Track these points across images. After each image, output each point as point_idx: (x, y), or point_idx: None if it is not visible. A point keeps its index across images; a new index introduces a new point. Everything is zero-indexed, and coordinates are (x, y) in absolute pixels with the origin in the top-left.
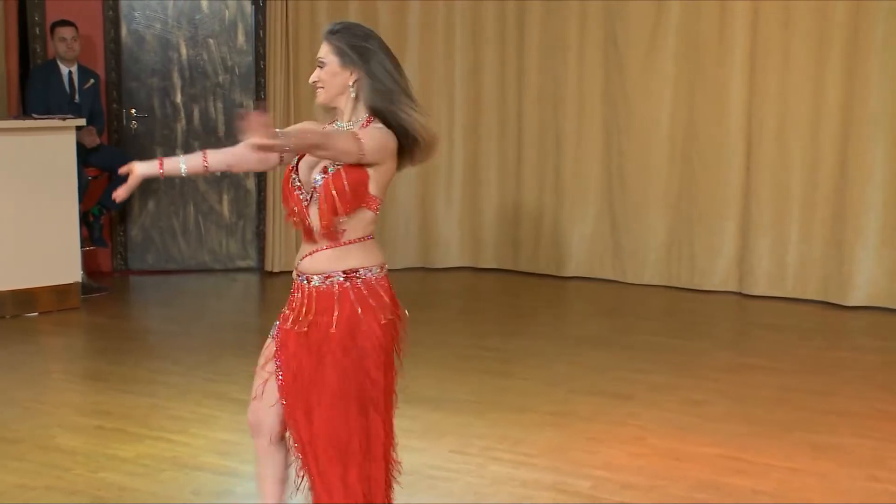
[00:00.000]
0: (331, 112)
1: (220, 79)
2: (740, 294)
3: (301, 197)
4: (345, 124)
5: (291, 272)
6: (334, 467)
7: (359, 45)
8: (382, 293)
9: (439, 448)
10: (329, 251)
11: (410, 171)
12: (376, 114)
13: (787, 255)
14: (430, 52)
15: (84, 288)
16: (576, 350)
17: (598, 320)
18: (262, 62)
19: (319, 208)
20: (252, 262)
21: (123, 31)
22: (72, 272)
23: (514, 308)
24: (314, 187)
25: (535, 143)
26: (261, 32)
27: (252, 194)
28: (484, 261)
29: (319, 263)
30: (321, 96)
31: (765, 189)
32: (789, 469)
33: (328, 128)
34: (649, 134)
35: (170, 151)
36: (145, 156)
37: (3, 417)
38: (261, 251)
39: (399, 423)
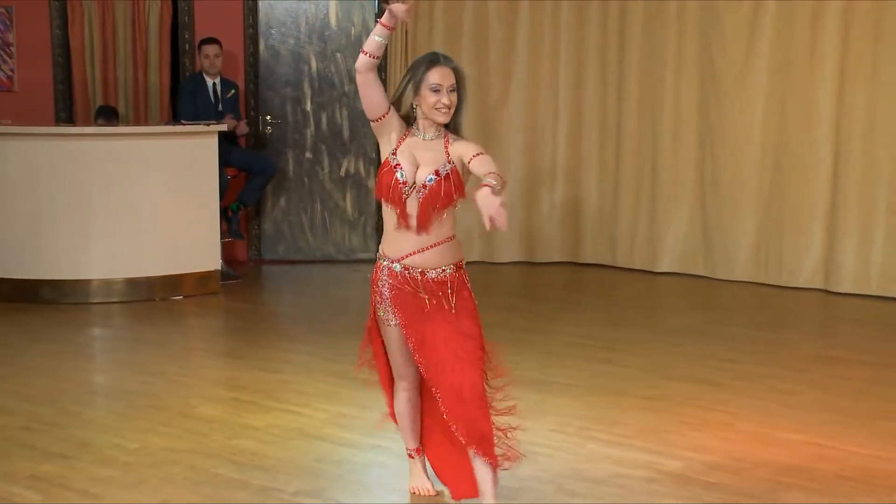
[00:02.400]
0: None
1: (346, 89)
2: (826, 291)
3: (404, 191)
4: (431, 136)
5: None
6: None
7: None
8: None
9: (540, 427)
10: (441, 246)
11: (519, 173)
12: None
13: (871, 256)
14: (538, 66)
15: (223, 275)
16: (670, 340)
17: (691, 313)
18: (383, 74)
19: (422, 202)
20: (372, 254)
21: (261, 47)
22: (212, 261)
23: (613, 300)
24: (424, 184)
25: (633, 149)
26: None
27: (372, 193)
28: (583, 256)
29: (433, 259)
30: (447, 117)
31: (851, 194)
32: (872, 456)
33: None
34: (741, 142)
35: (300, 154)
36: (278, 157)
37: (152, 388)
38: (380, 244)
39: (504, 402)
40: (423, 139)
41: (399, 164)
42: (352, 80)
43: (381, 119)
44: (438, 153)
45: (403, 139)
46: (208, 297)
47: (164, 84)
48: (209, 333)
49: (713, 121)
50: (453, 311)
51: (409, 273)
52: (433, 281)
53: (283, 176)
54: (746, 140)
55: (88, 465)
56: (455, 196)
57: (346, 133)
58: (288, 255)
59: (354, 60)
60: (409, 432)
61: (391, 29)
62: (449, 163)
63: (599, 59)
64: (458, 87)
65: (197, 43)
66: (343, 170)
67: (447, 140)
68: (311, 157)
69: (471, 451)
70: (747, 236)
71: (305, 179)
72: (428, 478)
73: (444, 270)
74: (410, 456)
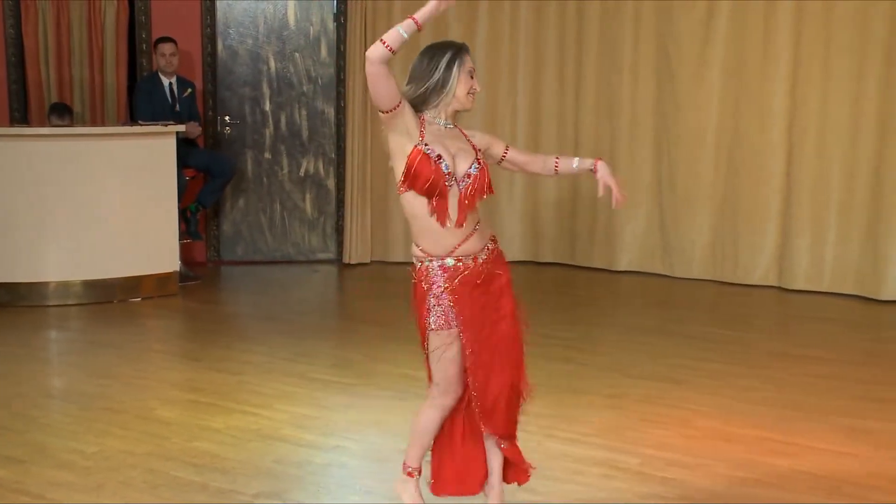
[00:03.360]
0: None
1: (305, 89)
2: (780, 288)
3: (448, 184)
4: (449, 124)
5: (367, 264)
6: None
7: None
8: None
9: None
10: (480, 228)
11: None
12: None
13: (825, 254)
14: (496, 66)
15: (181, 276)
16: (630, 338)
17: (650, 311)
18: (342, 74)
19: (470, 192)
20: (331, 255)
21: (219, 47)
22: (171, 262)
23: (573, 299)
24: (468, 174)
25: (591, 149)
26: (342, 47)
27: (332, 193)
28: (543, 255)
29: (476, 244)
30: (473, 103)
31: (804, 193)
32: (826, 451)
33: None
34: (697, 142)
35: (259, 154)
36: (237, 158)
37: (110, 391)
38: (339, 244)
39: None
40: (444, 127)
41: (440, 155)
42: (310, 80)
43: (394, 109)
44: (463, 142)
45: (423, 129)
46: (167, 299)
47: (121, 84)
48: (168, 335)
49: (669, 121)
50: (506, 303)
51: (462, 263)
52: (485, 262)
53: (242, 176)
54: (702, 140)
55: (45, 470)
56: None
57: (305, 133)
58: (247, 256)
59: (313, 60)
60: (423, 451)
61: (420, 28)
62: (477, 151)
63: (557, 60)
64: None
65: (153, 42)
66: (302, 170)
67: (462, 130)
68: (270, 157)
69: (495, 443)
70: (703, 235)
71: (264, 180)
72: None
73: (489, 250)
74: (410, 475)
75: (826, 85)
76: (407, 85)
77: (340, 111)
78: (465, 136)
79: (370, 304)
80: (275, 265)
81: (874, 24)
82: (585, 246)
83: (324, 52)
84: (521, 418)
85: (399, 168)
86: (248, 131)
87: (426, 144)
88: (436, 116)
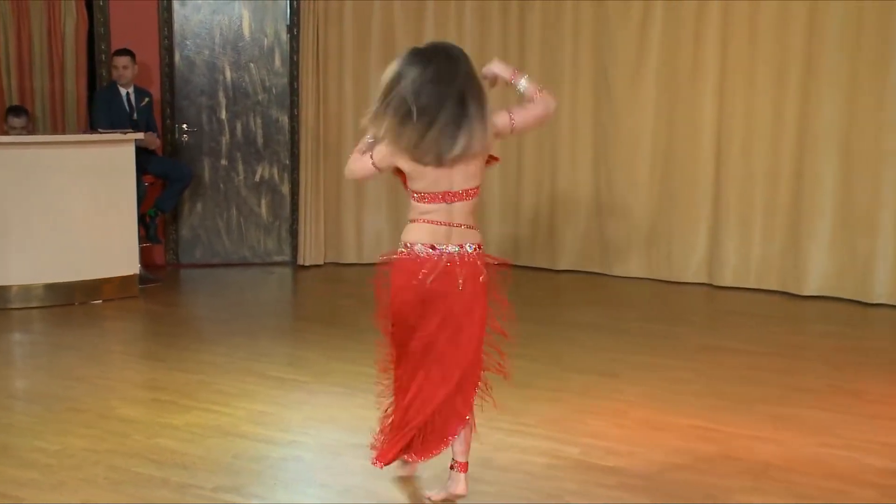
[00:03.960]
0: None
1: (260, 98)
2: (710, 285)
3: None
4: None
5: (321, 266)
6: None
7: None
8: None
9: None
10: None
11: None
12: None
13: (751, 252)
14: None
15: (141, 279)
16: (570, 334)
17: (588, 308)
18: (295, 83)
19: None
20: (286, 257)
21: (177, 57)
22: (131, 265)
23: (516, 297)
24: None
25: (533, 154)
26: (295, 57)
27: (286, 198)
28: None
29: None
30: None
31: (732, 195)
32: (752, 437)
33: None
34: (633, 148)
35: (216, 161)
36: (195, 164)
37: (72, 391)
38: (294, 247)
39: None
40: None
41: None
42: (265, 89)
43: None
44: None
45: None
46: (127, 301)
47: (81, 93)
48: (129, 336)
49: (607, 128)
50: None
51: None
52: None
53: (200, 182)
54: (637, 146)
55: (8, 469)
56: None
57: (260, 140)
58: (205, 259)
59: (267, 70)
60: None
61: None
62: None
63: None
64: None
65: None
66: (258, 176)
67: None
68: (226, 163)
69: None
70: (640, 235)
71: (221, 185)
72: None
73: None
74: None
75: (750, 94)
76: None
77: (294, 119)
78: None
79: (324, 304)
80: (232, 268)
81: (793, 38)
82: (528, 247)
83: (277, 62)
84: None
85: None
86: (206, 139)
87: None
88: None
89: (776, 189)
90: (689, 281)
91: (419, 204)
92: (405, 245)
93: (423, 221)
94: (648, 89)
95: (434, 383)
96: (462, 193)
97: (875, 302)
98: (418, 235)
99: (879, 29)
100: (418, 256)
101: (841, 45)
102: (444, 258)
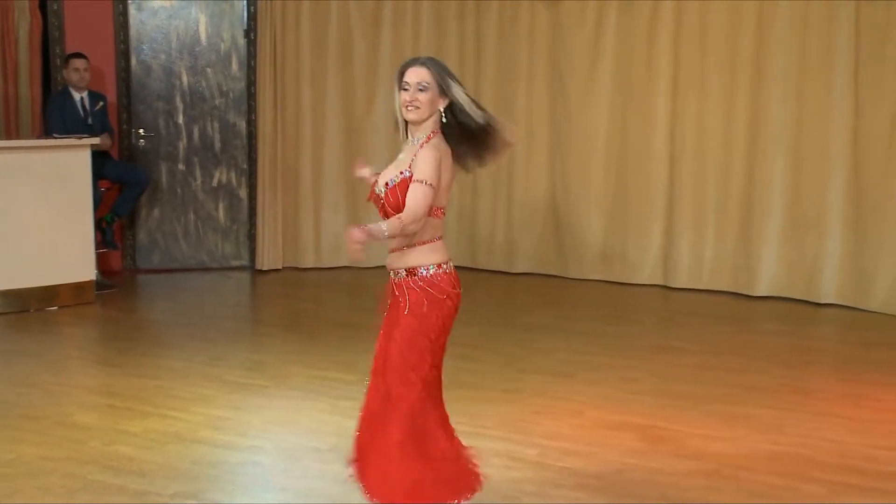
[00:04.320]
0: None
1: (217, 102)
2: (664, 286)
3: (380, 203)
4: (420, 136)
5: (279, 270)
6: None
7: (447, 76)
8: (440, 285)
9: None
10: (398, 253)
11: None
12: (443, 129)
13: (704, 253)
14: None
15: (98, 285)
16: (526, 336)
17: (544, 310)
18: (252, 88)
19: (385, 210)
20: (244, 262)
21: (133, 62)
22: (87, 271)
23: (472, 300)
24: (379, 195)
25: None
26: (252, 62)
27: (244, 202)
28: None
29: (395, 262)
30: (414, 114)
31: (685, 197)
32: (705, 436)
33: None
34: (588, 151)
35: (173, 165)
36: (152, 169)
37: (28, 398)
38: (252, 252)
39: None
40: (411, 144)
41: (378, 175)
42: (222, 93)
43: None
44: (409, 160)
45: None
46: (84, 307)
47: (36, 98)
48: (85, 342)
49: (562, 130)
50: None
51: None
52: (396, 283)
53: (157, 187)
54: (592, 148)
55: None
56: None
57: (217, 145)
58: (162, 264)
59: (224, 75)
60: None
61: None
62: (409, 169)
63: (457, 72)
64: (438, 82)
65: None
66: (215, 180)
67: (422, 145)
68: (183, 168)
69: None
70: (595, 238)
71: (179, 190)
72: None
73: (398, 273)
74: None
75: (702, 96)
76: None
77: (251, 123)
78: (417, 152)
79: (282, 308)
80: (190, 273)
81: (743, 41)
82: (485, 250)
83: (234, 66)
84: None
85: None
86: (163, 143)
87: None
88: (412, 134)
89: (728, 191)
90: (644, 282)
91: (439, 220)
92: (440, 265)
93: (441, 239)
94: (603, 92)
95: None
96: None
97: (823, 302)
98: (447, 254)
99: (824, 32)
100: (454, 272)
101: (788, 48)
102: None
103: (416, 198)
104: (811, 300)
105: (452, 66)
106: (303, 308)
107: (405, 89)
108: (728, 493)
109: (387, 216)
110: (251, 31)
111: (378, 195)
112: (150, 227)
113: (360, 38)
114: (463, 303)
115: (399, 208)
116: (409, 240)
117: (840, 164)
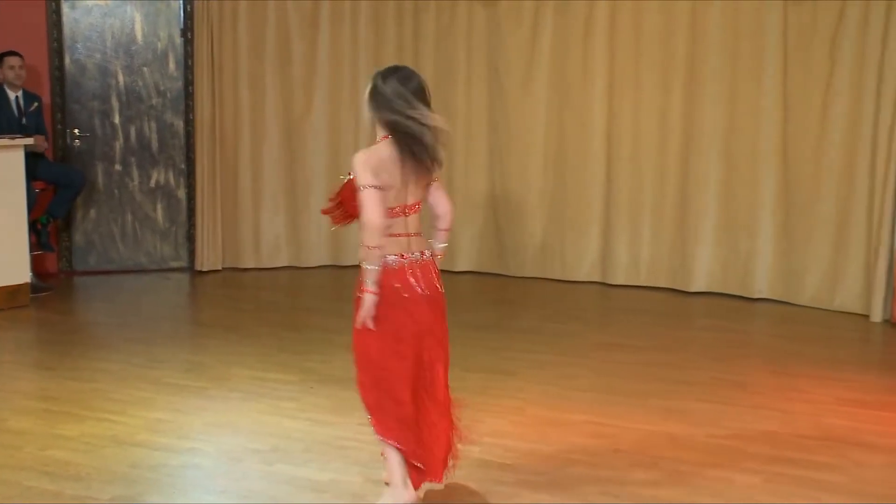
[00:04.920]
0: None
1: (154, 102)
2: (603, 284)
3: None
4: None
5: (219, 271)
6: None
7: (370, 89)
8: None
9: (349, 422)
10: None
11: (322, 181)
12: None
13: (641, 251)
14: (338, 80)
15: (33, 288)
16: (468, 334)
17: (486, 308)
18: (190, 87)
19: None
20: (183, 263)
21: (67, 61)
22: (21, 274)
23: None
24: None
25: None
26: (189, 61)
27: (183, 202)
28: None
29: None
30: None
31: (622, 197)
32: (644, 430)
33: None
34: (526, 152)
35: (110, 166)
36: (88, 170)
37: None
38: (191, 253)
39: (313, 400)
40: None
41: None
42: (159, 93)
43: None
44: None
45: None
46: (18, 311)
47: None
48: (19, 346)
49: (500, 130)
50: None
51: None
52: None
53: (93, 188)
54: (531, 149)
55: None
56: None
57: (154, 145)
58: (99, 266)
59: (161, 74)
60: None
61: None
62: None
63: None
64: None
65: None
66: (153, 181)
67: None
68: (120, 168)
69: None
70: (535, 237)
71: (116, 191)
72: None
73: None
74: None
75: (638, 96)
76: None
77: (189, 123)
78: None
79: (222, 309)
80: (128, 274)
81: (676, 43)
82: None
83: (172, 66)
84: (364, 417)
85: None
86: (98, 144)
87: None
88: None
89: (663, 191)
90: (583, 280)
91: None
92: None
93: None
94: (540, 92)
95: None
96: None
97: (756, 297)
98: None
99: (754, 35)
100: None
101: (720, 49)
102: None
103: (363, 206)
104: (745, 296)
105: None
106: (243, 309)
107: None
108: (666, 485)
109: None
110: (188, 31)
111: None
112: (86, 229)
113: (298, 39)
114: None
115: (347, 203)
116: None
117: (771, 165)
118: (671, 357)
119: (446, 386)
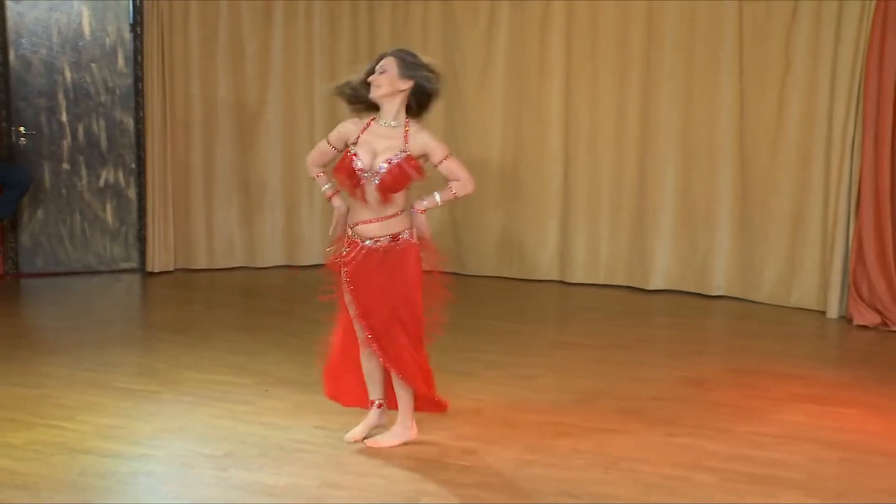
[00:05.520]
0: (359, 111)
1: (103, 99)
2: (562, 282)
3: (362, 177)
4: (391, 123)
5: (171, 272)
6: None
7: (412, 61)
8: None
9: (304, 424)
10: (380, 223)
11: (277, 179)
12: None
13: (599, 249)
14: (293, 76)
15: None
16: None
17: (444, 308)
18: (140, 84)
19: (380, 187)
20: (134, 264)
21: (11, 56)
22: None
23: None
24: (377, 171)
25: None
26: (139, 57)
27: (133, 202)
28: None
29: (372, 231)
30: (374, 91)
31: (580, 193)
32: (602, 430)
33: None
34: (483, 147)
35: (57, 165)
36: (34, 169)
37: None
38: (142, 254)
39: (269, 403)
40: (383, 126)
41: (356, 154)
42: (108, 90)
43: (340, 151)
44: (396, 142)
45: (362, 133)
46: None
47: None
48: None
49: (458, 127)
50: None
51: (356, 238)
52: (370, 249)
53: (40, 188)
54: (488, 145)
55: None
56: (408, 180)
57: (103, 143)
58: (47, 268)
59: (110, 70)
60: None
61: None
62: (404, 151)
63: (351, 70)
64: (398, 68)
65: None
66: (102, 180)
67: (407, 129)
68: (68, 168)
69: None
70: (493, 234)
71: (63, 191)
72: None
73: (378, 241)
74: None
75: (595, 93)
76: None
77: (140, 121)
78: (406, 137)
79: (173, 311)
80: (76, 276)
81: (633, 38)
82: None
83: (121, 62)
84: (319, 420)
85: None
86: (45, 142)
87: (355, 144)
88: (380, 118)
89: (621, 187)
90: (542, 278)
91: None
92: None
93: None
94: (497, 89)
95: None
96: None
97: (714, 294)
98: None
99: (710, 31)
100: None
101: (677, 46)
102: None
103: (460, 167)
104: (703, 293)
105: (345, 65)
106: (195, 311)
107: (371, 72)
108: (624, 485)
109: (363, 192)
110: (137, 26)
111: (373, 171)
112: (33, 230)
113: (251, 36)
114: None
115: (393, 184)
116: (386, 213)
117: (728, 161)
118: (629, 355)
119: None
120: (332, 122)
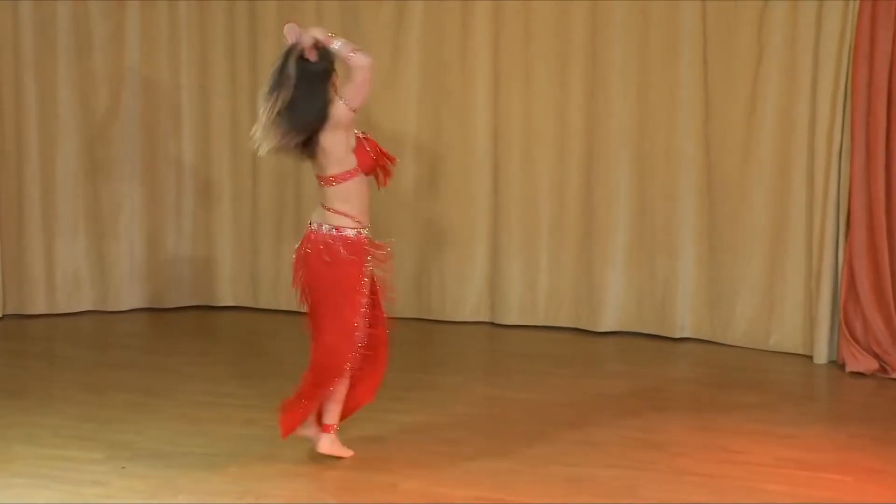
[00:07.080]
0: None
1: None
2: (492, 324)
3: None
4: None
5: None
6: None
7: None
8: None
9: None
10: None
11: (137, 201)
12: None
13: (537, 281)
14: (154, 69)
15: None
16: None
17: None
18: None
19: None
20: None
21: None
22: None
23: (253, 349)
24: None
25: (272, 170)
26: None
27: None
28: (220, 298)
29: None
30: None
31: (513, 211)
32: None
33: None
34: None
35: None
36: None
37: None
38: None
39: (127, 483)
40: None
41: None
42: None
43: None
44: None
45: None
46: None
47: None
48: None
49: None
50: None
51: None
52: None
53: None
54: (399, 156)
55: None
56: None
57: None
58: None
59: None
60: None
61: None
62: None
63: (226, 69)
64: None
65: None
66: None
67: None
68: None
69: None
70: (405, 265)
71: None
72: None
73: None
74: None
75: (528, 93)
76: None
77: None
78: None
79: (2, 368)
80: None
81: (574, 31)
82: (269, 287)
83: None
84: (196, 496)
85: (343, 159)
86: None
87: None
88: None
89: (563, 203)
90: (467, 319)
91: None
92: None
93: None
94: (409, 89)
95: None
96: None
97: (678, 336)
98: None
99: (666, 15)
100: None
101: (627, 36)
102: None
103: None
104: (664, 335)
105: (221, 63)
106: (31, 367)
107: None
108: None
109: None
110: None
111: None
112: None
113: (100, 18)
114: (247, 353)
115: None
116: None
117: (691, 170)
118: (576, 413)
119: None
120: (208, 122)
